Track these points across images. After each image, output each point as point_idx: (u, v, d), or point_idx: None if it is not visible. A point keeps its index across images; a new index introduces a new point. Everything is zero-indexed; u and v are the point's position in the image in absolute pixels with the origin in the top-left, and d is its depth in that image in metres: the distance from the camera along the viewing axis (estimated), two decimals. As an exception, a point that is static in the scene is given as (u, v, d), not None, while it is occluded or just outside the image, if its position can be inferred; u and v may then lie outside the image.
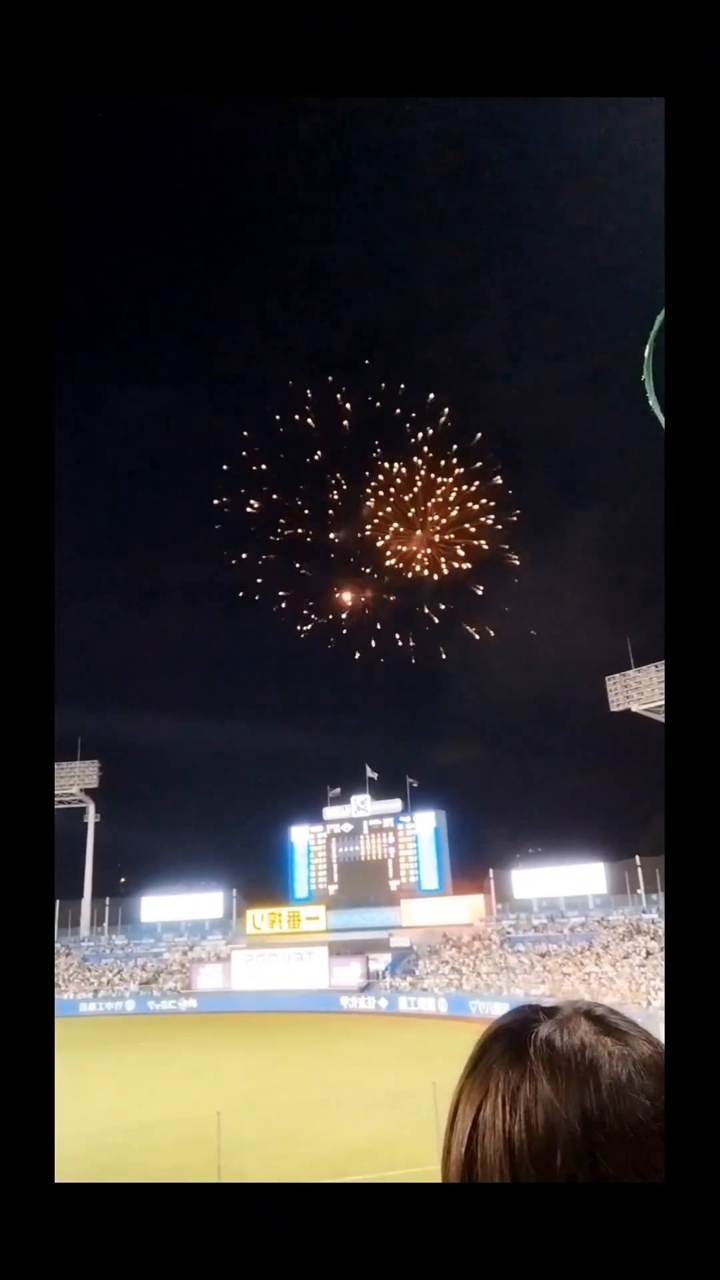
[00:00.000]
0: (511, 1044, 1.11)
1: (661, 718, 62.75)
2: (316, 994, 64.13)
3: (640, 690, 63.66)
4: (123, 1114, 29.36)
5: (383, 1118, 27.39)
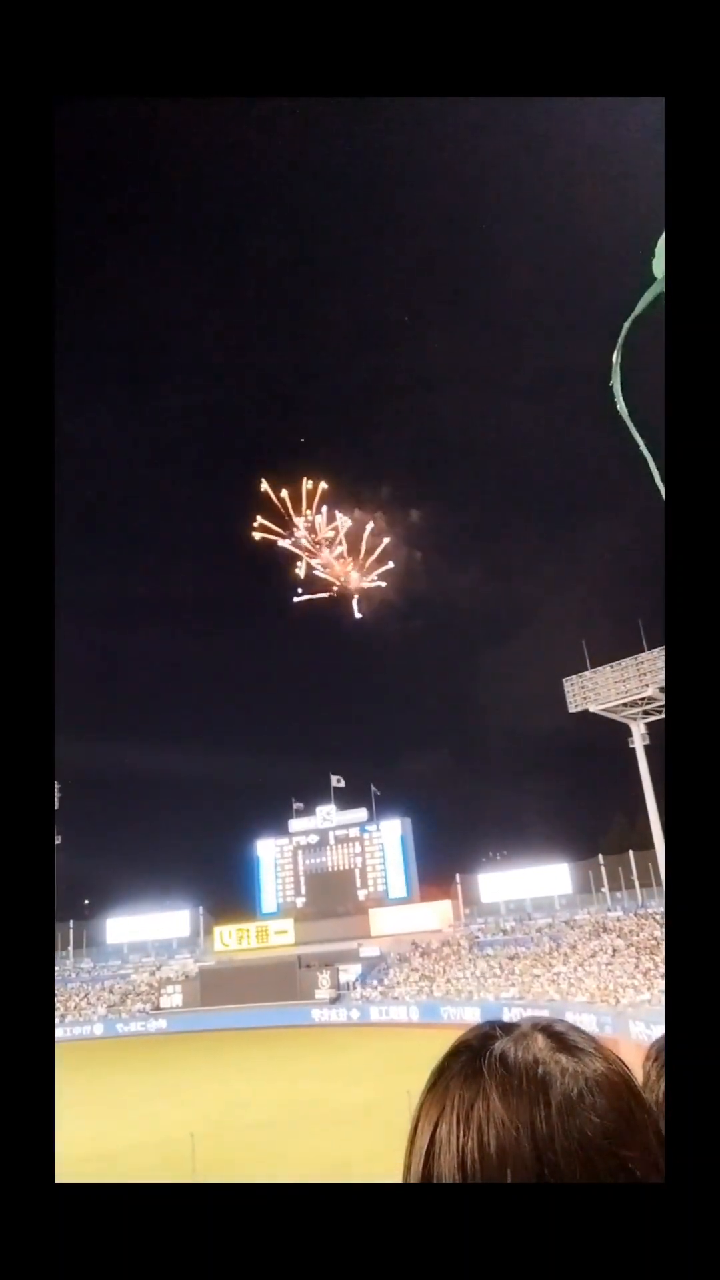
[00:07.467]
0: (469, 1061, 1.11)
1: (618, 717, 63.66)
2: (287, 1009, 63.68)
3: (597, 691, 64.37)
4: (94, 1141, 28.77)
5: (357, 1131, 27.23)
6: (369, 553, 63.26)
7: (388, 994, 63.00)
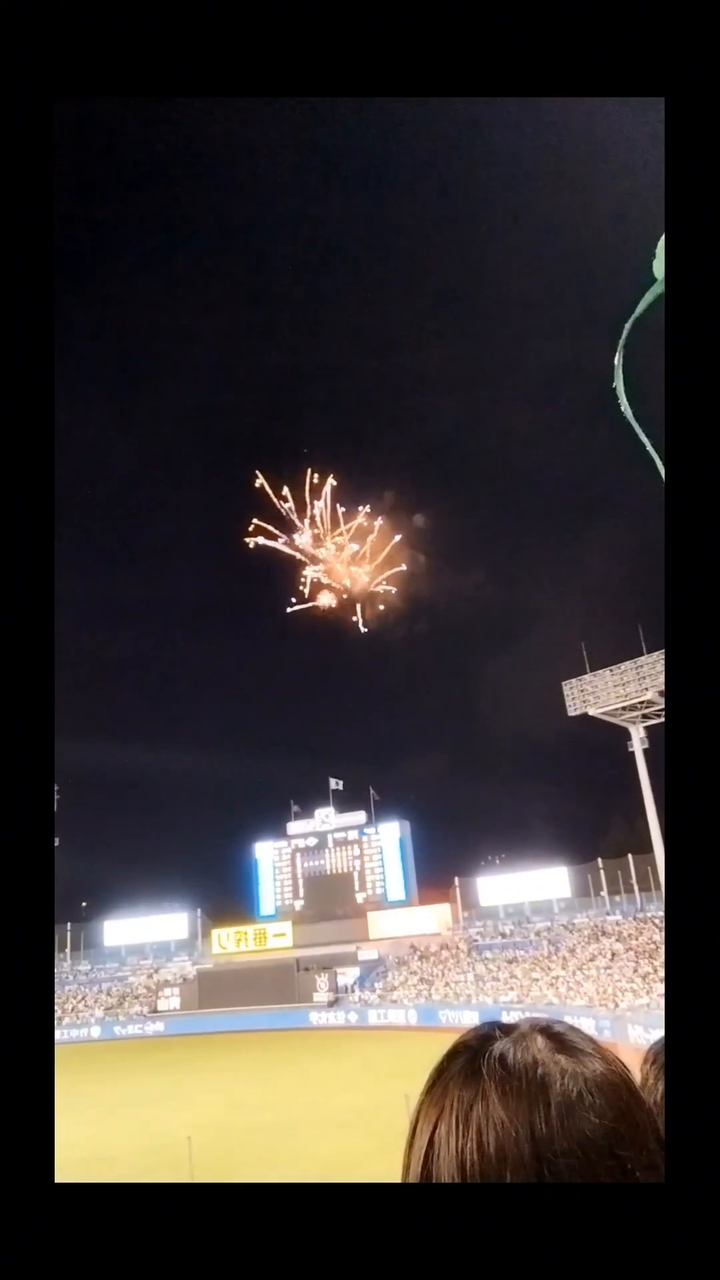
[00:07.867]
0: (468, 1062, 1.11)
1: (617, 721, 63.61)
2: (286, 1011, 63.58)
3: (597, 695, 64.33)
4: (91, 1144, 28.69)
5: (355, 1134, 27.18)
6: (373, 555, 62.56)
7: (386, 997, 62.91)
